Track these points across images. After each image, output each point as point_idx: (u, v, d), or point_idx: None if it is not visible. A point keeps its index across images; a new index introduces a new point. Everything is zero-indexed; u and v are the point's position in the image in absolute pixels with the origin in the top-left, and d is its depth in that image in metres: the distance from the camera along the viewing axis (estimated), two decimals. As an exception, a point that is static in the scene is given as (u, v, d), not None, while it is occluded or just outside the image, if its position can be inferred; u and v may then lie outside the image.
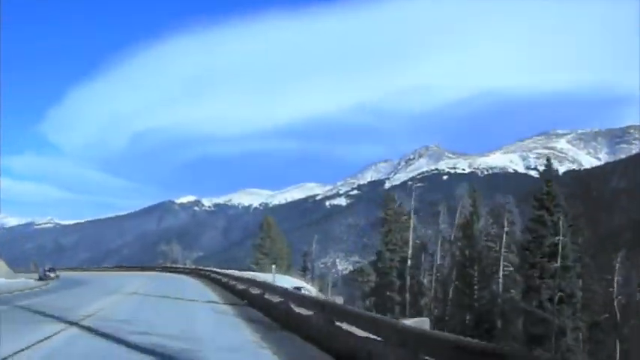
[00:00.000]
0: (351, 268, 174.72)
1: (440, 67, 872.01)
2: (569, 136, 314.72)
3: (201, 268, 51.46)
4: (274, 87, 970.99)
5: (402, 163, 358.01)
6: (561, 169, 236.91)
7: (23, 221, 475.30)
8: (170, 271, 56.74)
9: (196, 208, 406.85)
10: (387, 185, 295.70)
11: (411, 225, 53.88)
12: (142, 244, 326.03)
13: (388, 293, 52.06)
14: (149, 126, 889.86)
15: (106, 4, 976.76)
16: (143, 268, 67.82)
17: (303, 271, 69.15)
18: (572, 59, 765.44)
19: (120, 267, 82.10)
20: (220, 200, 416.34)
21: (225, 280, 28.02)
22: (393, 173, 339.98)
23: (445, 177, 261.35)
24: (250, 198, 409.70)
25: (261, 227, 77.65)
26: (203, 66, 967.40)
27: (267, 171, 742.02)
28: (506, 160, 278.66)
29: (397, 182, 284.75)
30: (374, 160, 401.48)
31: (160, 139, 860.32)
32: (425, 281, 54.33)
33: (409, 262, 52.78)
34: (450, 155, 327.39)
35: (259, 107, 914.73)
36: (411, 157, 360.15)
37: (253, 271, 55.11)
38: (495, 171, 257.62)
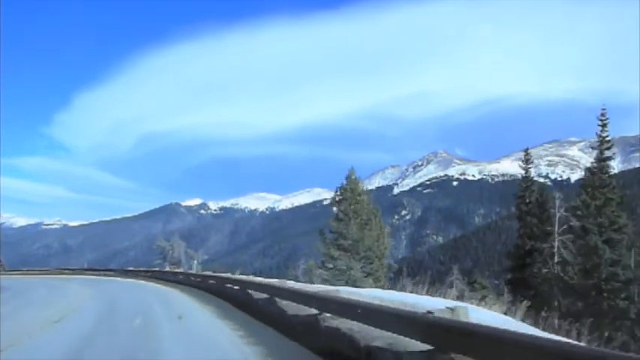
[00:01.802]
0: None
1: (447, 73, 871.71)
2: (581, 144, 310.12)
3: (216, 275, 24.57)
4: (282, 93, 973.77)
5: (410, 169, 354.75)
6: (573, 177, 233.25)
7: (32, 221, 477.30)
8: (159, 280, 31.16)
9: (202, 211, 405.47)
10: (396, 191, 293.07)
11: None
12: (148, 245, 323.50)
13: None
14: (156, 129, 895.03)
15: (114, 10, 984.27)
16: (126, 273, 41.65)
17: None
18: (583, 66, 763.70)
19: (95, 270, 51.33)
20: (227, 204, 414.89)
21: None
22: (400, 179, 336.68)
23: (455, 183, 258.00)
24: (257, 202, 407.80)
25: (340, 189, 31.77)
26: (210, 71, 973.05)
27: (274, 175, 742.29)
28: (516, 167, 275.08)
29: (406, 188, 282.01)
30: (381, 166, 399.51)
31: (167, 143, 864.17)
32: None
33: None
34: (459, 162, 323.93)
35: (267, 112, 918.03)
36: (419, 163, 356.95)
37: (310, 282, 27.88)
38: (506, 178, 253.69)
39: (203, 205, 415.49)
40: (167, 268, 50.18)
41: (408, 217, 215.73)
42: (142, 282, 30.28)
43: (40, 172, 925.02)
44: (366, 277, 29.07)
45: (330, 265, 29.74)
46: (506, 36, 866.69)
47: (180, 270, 41.75)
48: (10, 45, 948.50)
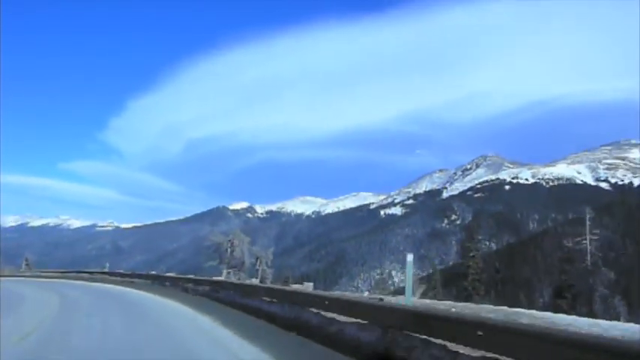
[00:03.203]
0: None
1: (496, 75, 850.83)
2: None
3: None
4: (329, 96, 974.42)
5: (459, 173, 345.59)
6: (635, 182, 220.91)
7: (87, 223, 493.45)
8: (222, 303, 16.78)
9: (249, 215, 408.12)
10: (445, 195, 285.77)
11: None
12: (196, 248, 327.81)
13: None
14: (205, 134, 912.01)
15: (164, 17, 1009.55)
16: (159, 281, 29.57)
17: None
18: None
19: (104, 273, 41.62)
20: (273, 207, 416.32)
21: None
22: (449, 183, 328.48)
23: (507, 187, 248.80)
24: (303, 206, 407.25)
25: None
26: (259, 76, 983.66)
27: (320, 179, 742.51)
28: (572, 170, 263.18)
29: (455, 192, 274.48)
30: (428, 169, 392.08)
31: (214, 147, 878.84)
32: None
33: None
34: (510, 165, 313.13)
35: (314, 116, 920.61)
36: (468, 166, 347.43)
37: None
38: (562, 182, 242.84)
39: (250, 209, 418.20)
40: (224, 276, 37.17)
41: (458, 222, 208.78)
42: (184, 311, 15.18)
43: (95, 176, 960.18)
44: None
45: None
46: (558, 36, 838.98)
47: (252, 281, 28.41)
48: (69, 57, 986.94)
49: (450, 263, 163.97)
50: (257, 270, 41.96)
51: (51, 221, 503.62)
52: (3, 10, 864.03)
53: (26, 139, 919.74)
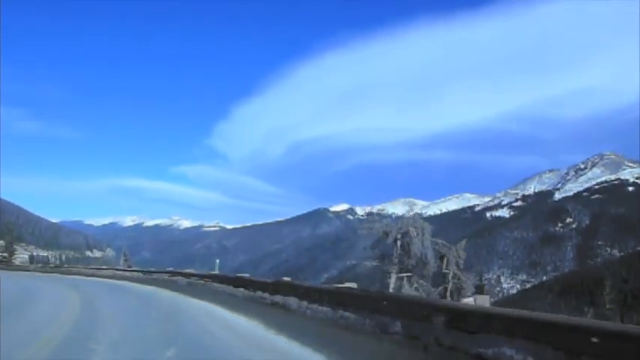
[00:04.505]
0: (518, 287, 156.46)
1: (609, 68, 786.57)
2: None
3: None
4: (425, 97, 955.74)
5: (572, 173, 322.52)
6: None
7: (195, 224, 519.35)
8: None
9: (350, 217, 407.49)
10: (557, 196, 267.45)
11: None
12: (297, 249, 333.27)
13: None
14: (304, 137, 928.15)
15: (263, 26, 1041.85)
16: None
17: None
18: None
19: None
20: (374, 209, 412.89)
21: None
22: (560, 184, 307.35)
23: (630, 188, 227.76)
24: (404, 208, 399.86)
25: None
26: (356, 79, 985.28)
27: (421, 181, 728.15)
28: None
29: (569, 193, 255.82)
30: (535, 169, 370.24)
31: (314, 150, 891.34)
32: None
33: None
34: (632, 164, 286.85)
35: (410, 117, 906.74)
36: (582, 166, 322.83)
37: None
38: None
39: (350, 211, 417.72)
40: (392, 283, 24.71)
41: (573, 226, 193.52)
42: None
43: (202, 179, 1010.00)
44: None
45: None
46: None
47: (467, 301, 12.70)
48: (179, 68, 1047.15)
49: (566, 269, 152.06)
50: (444, 275, 25.64)
51: (163, 221, 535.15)
52: (130, 25, 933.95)
53: (141, 145, 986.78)
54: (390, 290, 18.68)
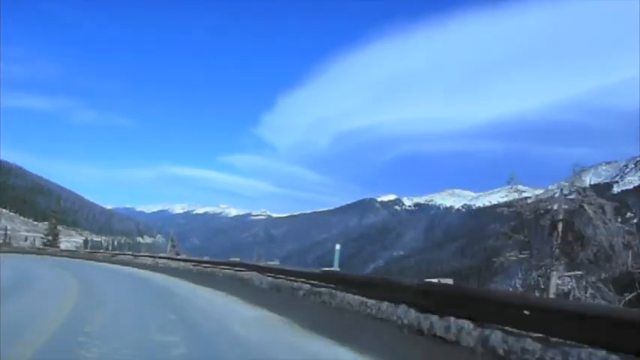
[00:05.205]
0: (573, 284, 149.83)
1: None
2: None
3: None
4: (474, 86, 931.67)
5: (631, 166, 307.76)
6: None
7: (242, 212, 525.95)
8: None
9: (397, 207, 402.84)
10: (616, 189, 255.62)
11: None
12: (344, 238, 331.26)
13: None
14: (350, 127, 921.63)
15: (308, 18, 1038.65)
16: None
17: None
18: None
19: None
20: (421, 200, 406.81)
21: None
22: (619, 177, 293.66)
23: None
24: (452, 199, 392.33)
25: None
26: (402, 68, 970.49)
27: (469, 172, 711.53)
28: None
29: (629, 186, 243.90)
30: (589, 161, 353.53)
31: (361, 139, 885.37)
32: None
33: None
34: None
35: (459, 107, 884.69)
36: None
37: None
38: None
39: (397, 201, 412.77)
40: (552, 284, 9.04)
41: (634, 221, 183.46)
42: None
43: (249, 168, 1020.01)
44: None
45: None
46: None
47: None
48: (226, 60, 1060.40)
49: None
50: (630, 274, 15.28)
51: (212, 209, 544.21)
52: (170, 18, 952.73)
53: (191, 135, 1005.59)
54: (552, 295, 12.75)
